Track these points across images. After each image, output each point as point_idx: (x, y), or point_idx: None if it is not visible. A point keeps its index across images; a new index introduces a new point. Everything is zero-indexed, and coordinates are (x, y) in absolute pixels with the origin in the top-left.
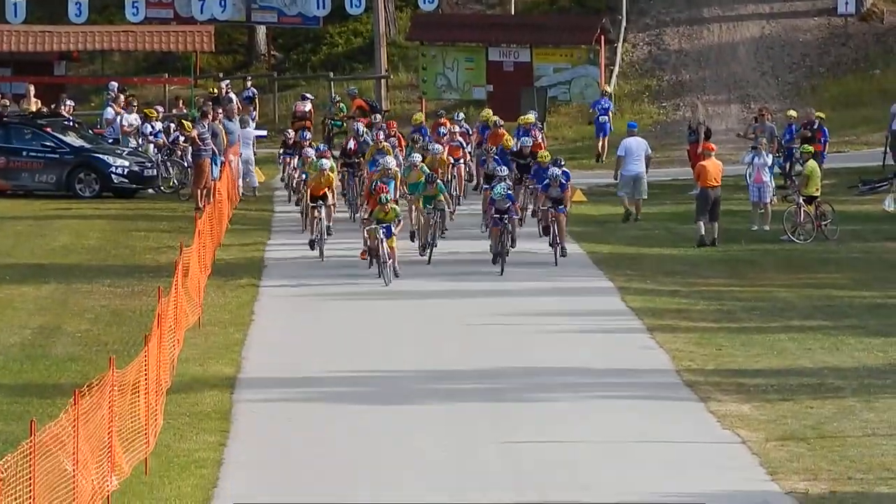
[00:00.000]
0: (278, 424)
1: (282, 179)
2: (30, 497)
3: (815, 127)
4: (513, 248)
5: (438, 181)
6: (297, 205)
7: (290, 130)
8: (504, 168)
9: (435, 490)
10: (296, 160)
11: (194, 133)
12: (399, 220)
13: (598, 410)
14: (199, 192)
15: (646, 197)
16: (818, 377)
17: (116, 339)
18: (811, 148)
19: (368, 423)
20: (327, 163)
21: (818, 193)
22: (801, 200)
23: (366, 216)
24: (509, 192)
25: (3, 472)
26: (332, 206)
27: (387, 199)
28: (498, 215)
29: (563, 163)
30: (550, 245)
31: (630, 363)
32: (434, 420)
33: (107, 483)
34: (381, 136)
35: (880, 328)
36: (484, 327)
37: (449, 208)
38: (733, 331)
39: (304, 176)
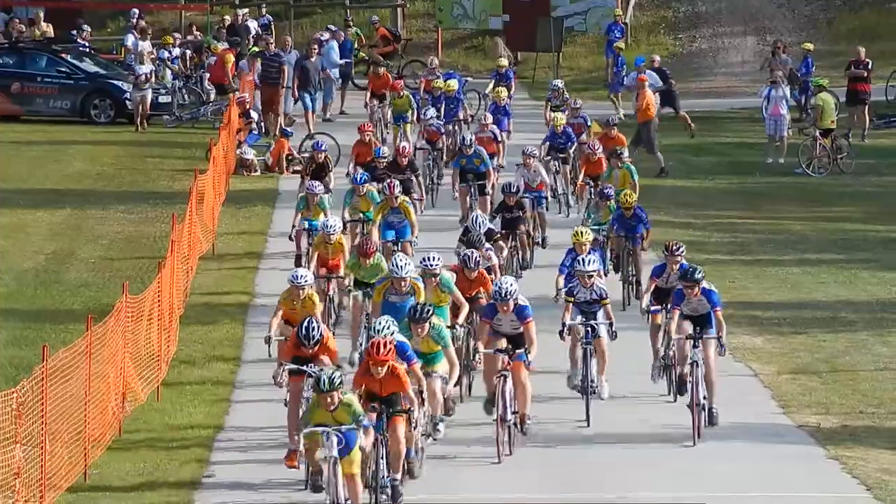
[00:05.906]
0: None
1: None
2: (41, 421)
3: (869, 66)
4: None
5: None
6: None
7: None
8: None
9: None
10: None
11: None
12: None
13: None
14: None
15: None
16: (831, 311)
17: (130, 265)
18: (824, 81)
19: None
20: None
21: (834, 126)
22: (817, 133)
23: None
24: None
25: (21, 397)
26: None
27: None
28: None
29: (701, 274)
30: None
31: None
32: None
33: (120, 408)
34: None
35: (894, 262)
36: None
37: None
38: (747, 263)
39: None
